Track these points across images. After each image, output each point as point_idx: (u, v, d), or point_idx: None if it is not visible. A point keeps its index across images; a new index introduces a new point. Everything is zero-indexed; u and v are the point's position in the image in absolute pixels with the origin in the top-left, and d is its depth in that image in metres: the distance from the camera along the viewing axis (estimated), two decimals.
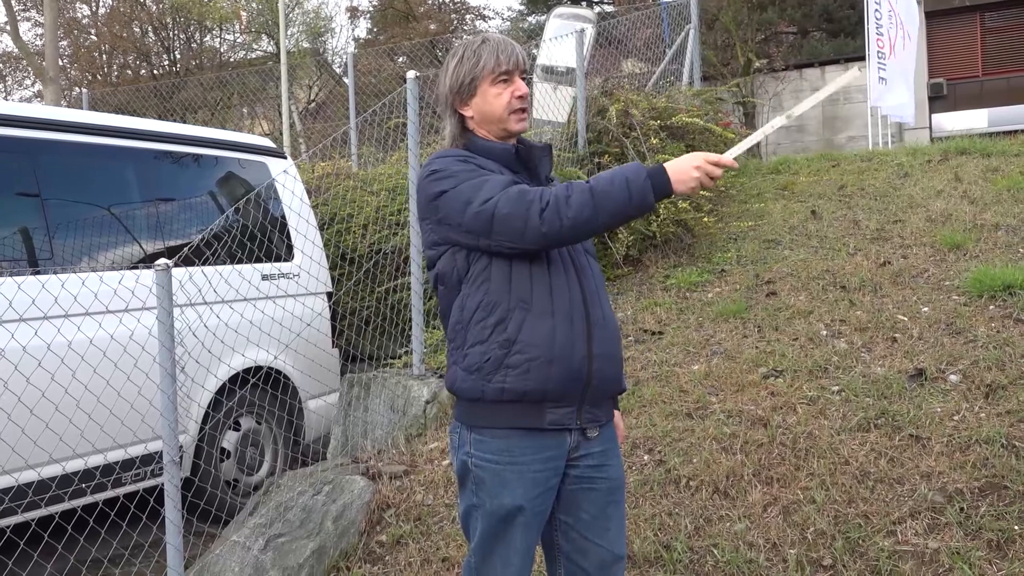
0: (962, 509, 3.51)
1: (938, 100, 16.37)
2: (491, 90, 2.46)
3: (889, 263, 6.04)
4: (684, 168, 2.27)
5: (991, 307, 5.12)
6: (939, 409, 4.18)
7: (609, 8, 20.38)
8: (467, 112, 2.50)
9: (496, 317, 2.36)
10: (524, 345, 2.33)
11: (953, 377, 4.44)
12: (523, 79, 2.52)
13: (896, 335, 4.99)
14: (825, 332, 5.19)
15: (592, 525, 2.50)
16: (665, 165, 2.27)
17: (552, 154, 2.58)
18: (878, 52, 10.98)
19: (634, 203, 2.25)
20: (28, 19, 21.20)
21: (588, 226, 2.28)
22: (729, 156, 2.31)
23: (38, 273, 4.40)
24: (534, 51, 9.75)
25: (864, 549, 3.42)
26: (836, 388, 4.52)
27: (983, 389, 4.28)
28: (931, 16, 16.31)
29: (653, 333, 5.64)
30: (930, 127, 15.78)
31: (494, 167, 2.44)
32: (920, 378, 4.47)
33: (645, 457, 4.23)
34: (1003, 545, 3.32)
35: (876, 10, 10.95)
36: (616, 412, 2.63)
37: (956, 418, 4.09)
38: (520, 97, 2.48)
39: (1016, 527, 3.37)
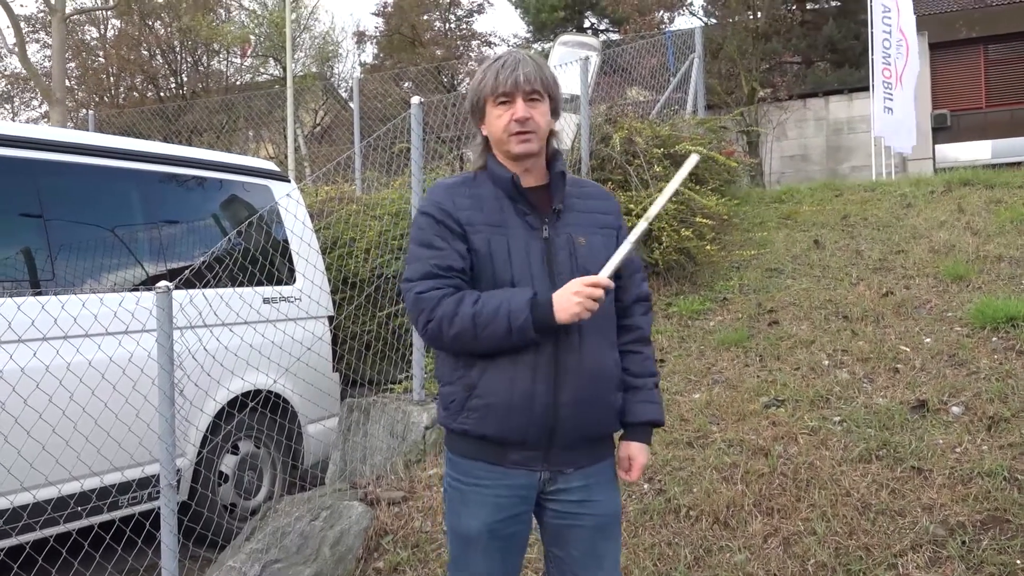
0: (964, 542, 3.49)
1: (942, 131, 16.41)
2: (494, 111, 2.42)
3: (892, 293, 6.02)
4: (565, 297, 2.27)
5: (994, 339, 5.10)
6: (941, 441, 4.15)
7: (614, 36, 20.50)
8: (483, 131, 2.49)
9: (461, 360, 2.40)
10: (483, 391, 2.37)
11: (955, 409, 4.42)
12: (531, 100, 2.40)
13: (898, 366, 4.97)
14: (827, 362, 5.17)
15: (583, 561, 2.48)
16: (552, 296, 2.29)
17: (564, 185, 2.46)
18: (884, 82, 11.01)
19: (514, 339, 2.29)
20: (36, 41, 21.34)
21: (469, 347, 2.35)
22: (604, 273, 2.30)
23: (39, 294, 4.40)
24: None
25: None
26: (838, 419, 4.50)
27: (985, 421, 4.26)
28: (935, 48, 16.38)
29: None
30: (933, 158, 15.80)
31: (500, 193, 2.43)
32: (922, 409, 4.44)
33: (645, 486, 4.20)
34: None
35: (885, 39, 10.99)
36: (634, 444, 2.54)
37: (958, 450, 4.07)
38: (518, 120, 2.38)
39: (1018, 561, 3.34)
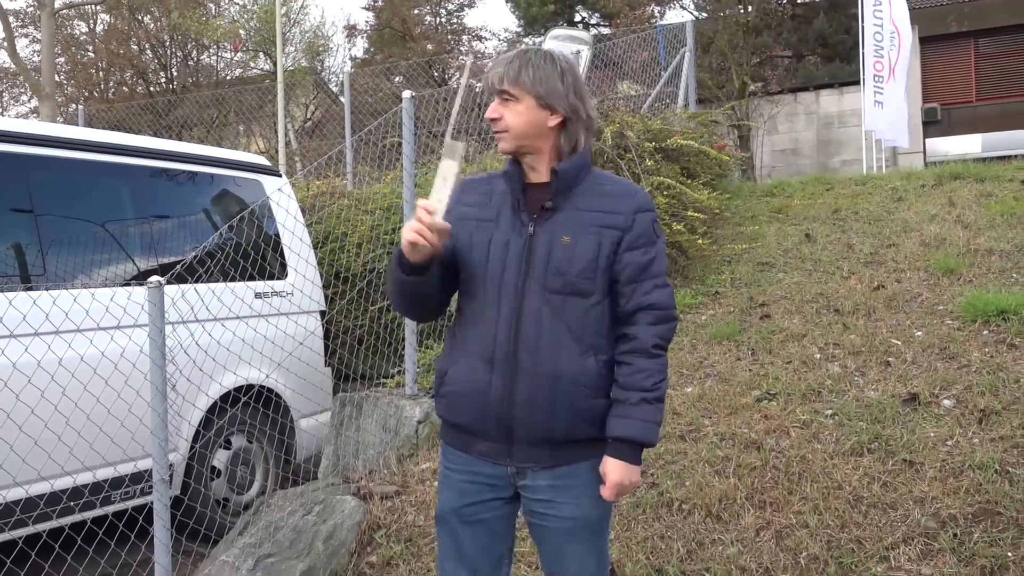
0: (955, 535, 3.50)
1: (932, 125, 16.46)
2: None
3: (883, 287, 6.04)
4: (404, 234, 2.30)
5: (985, 332, 5.12)
6: (932, 434, 4.17)
7: (605, 30, 20.49)
8: None
9: (446, 351, 2.54)
10: (449, 379, 2.46)
11: (947, 402, 4.43)
12: (504, 99, 2.39)
13: (890, 359, 4.98)
14: (819, 355, 5.18)
15: (553, 560, 2.51)
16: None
17: (559, 183, 2.41)
18: (875, 75, 11.04)
19: (398, 283, 2.39)
20: (25, 35, 21.23)
21: (396, 304, 2.54)
22: (433, 198, 2.31)
23: (30, 289, 4.38)
24: None
25: (857, 574, 3.41)
26: (829, 412, 4.51)
27: (976, 414, 4.28)
28: (925, 41, 16.42)
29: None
30: (924, 152, 15.85)
31: (507, 189, 2.47)
32: (913, 403, 4.46)
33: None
34: (996, 572, 3.31)
35: (876, 32, 11.00)
36: (609, 460, 2.40)
37: (949, 443, 4.08)
38: (488, 119, 2.41)
39: (1009, 553, 3.36)
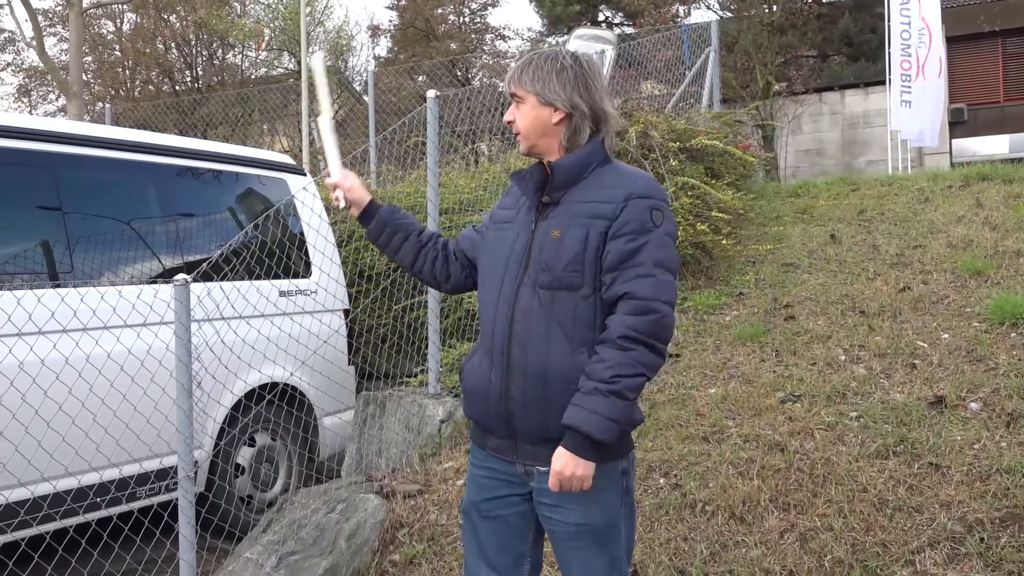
0: (982, 540, 3.47)
1: (959, 125, 16.32)
2: None
3: (909, 288, 6.00)
4: None
5: (1012, 334, 5.08)
6: (959, 437, 4.13)
7: (629, 30, 20.45)
8: None
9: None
10: (464, 375, 2.56)
11: (974, 405, 4.40)
12: (515, 102, 2.48)
13: (916, 361, 4.95)
14: (844, 357, 5.15)
15: (561, 561, 2.51)
16: None
17: (558, 178, 2.41)
18: (902, 75, 10.94)
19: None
20: (54, 35, 21.44)
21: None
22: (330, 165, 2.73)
23: (58, 286, 4.42)
24: None
25: None
26: (854, 414, 4.48)
27: (1004, 418, 4.24)
28: (952, 41, 16.28)
29: (670, 355, 5.61)
30: (950, 152, 15.72)
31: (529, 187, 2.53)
32: (940, 405, 4.42)
33: (661, 480, 4.20)
34: None
35: (904, 31, 10.90)
36: (559, 448, 2.30)
37: (976, 447, 4.05)
38: (508, 123, 2.51)
39: None
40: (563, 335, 2.34)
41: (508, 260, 2.45)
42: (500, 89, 2.67)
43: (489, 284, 2.49)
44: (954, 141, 16.05)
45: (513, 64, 2.53)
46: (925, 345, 5.12)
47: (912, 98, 10.98)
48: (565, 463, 2.27)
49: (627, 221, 2.33)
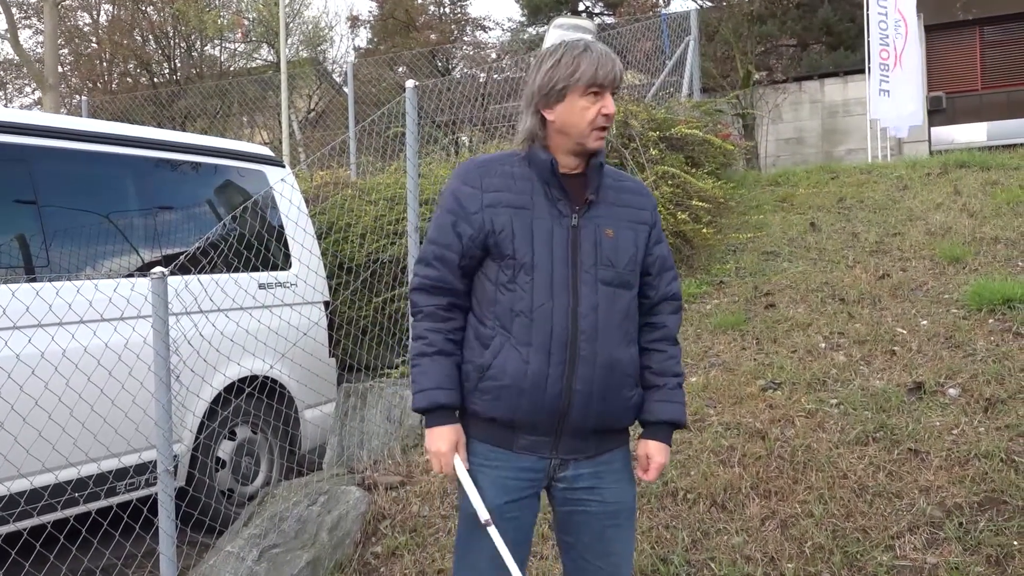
0: (961, 524, 3.49)
1: (937, 113, 16.38)
2: (580, 102, 2.39)
3: (888, 276, 6.02)
4: (439, 441, 2.42)
5: (990, 320, 5.11)
6: (938, 423, 4.16)
7: (609, 19, 20.43)
8: (549, 116, 2.44)
9: (477, 340, 2.44)
10: (496, 372, 2.38)
11: (952, 391, 4.42)
12: (615, 96, 2.45)
13: (895, 348, 4.97)
14: (824, 345, 5.17)
15: (592, 547, 2.49)
16: (440, 426, 2.43)
17: (599, 177, 2.47)
18: (880, 64, 10.98)
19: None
20: (29, 26, 21.19)
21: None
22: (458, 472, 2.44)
23: (34, 280, 4.38)
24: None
25: (862, 564, 3.40)
26: (835, 401, 4.50)
27: (982, 403, 4.26)
28: (931, 30, 16.34)
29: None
30: (929, 140, 15.78)
31: (534, 175, 2.44)
32: (919, 392, 4.45)
33: None
34: (1002, 561, 3.30)
35: (881, 20, 10.95)
36: (652, 443, 2.52)
37: (955, 432, 4.07)
38: (607, 115, 2.41)
39: (1015, 542, 3.35)
40: (620, 330, 2.44)
41: (552, 251, 2.38)
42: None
43: (529, 277, 2.37)
44: (933, 129, 16.11)
45: (600, 52, 2.40)
46: (904, 332, 5.15)
47: (891, 87, 11.02)
48: (666, 455, 2.55)
49: (660, 228, 2.59)
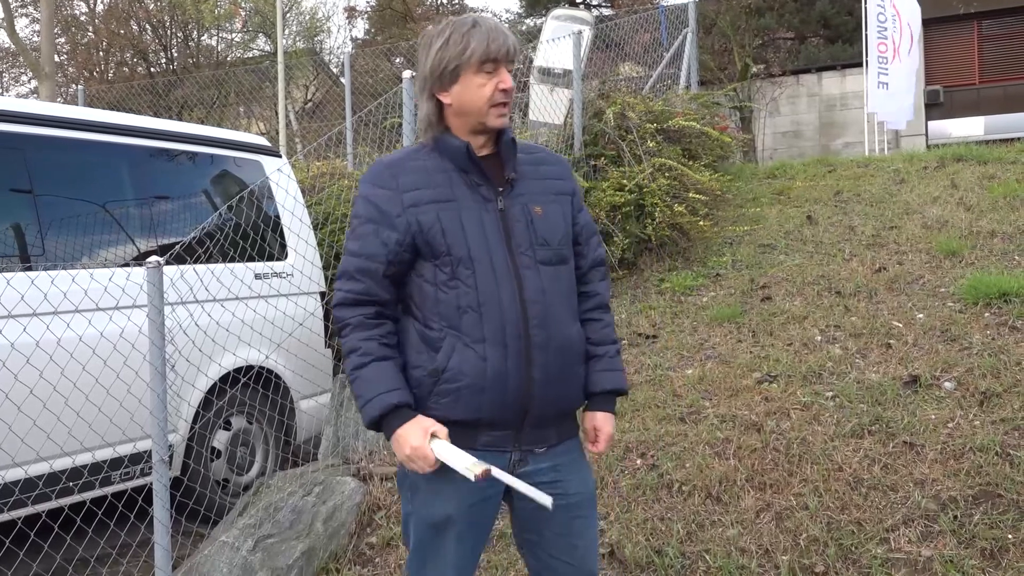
0: (956, 517, 3.50)
1: (935, 107, 16.40)
2: (475, 79, 2.28)
3: (885, 269, 6.02)
4: (407, 442, 2.23)
5: (986, 314, 5.11)
6: (933, 416, 4.16)
7: (607, 11, 20.39)
8: (445, 99, 2.33)
9: (428, 344, 2.30)
10: (454, 374, 2.26)
11: (948, 384, 4.42)
12: (510, 71, 2.32)
13: (891, 341, 4.97)
14: (820, 337, 5.17)
15: (557, 543, 2.41)
16: (402, 427, 2.24)
17: (514, 153, 2.37)
18: (879, 57, 10.98)
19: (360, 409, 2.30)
20: (25, 15, 21.17)
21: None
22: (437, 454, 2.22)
23: (29, 269, 4.37)
24: (531, 53, 9.74)
25: (857, 556, 3.41)
26: (830, 394, 4.50)
27: (978, 397, 4.27)
28: (928, 23, 16.32)
29: (647, 337, 5.62)
30: (926, 134, 15.80)
31: (448, 165, 2.33)
32: (915, 385, 4.45)
33: (638, 461, 4.21)
34: (996, 554, 3.30)
35: (880, 13, 10.95)
36: (599, 414, 2.47)
37: (950, 425, 4.08)
38: (504, 91, 2.29)
39: (1010, 536, 3.36)
40: (569, 308, 2.39)
41: (486, 241, 2.28)
42: (496, 53, 2.34)
43: (470, 272, 2.27)
44: (930, 123, 16.13)
45: (489, 26, 2.30)
46: (900, 325, 5.15)
47: (889, 80, 11.02)
48: (611, 425, 2.50)
49: (577, 192, 2.51)
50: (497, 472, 2.20)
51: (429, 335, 2.30)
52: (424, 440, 2.22)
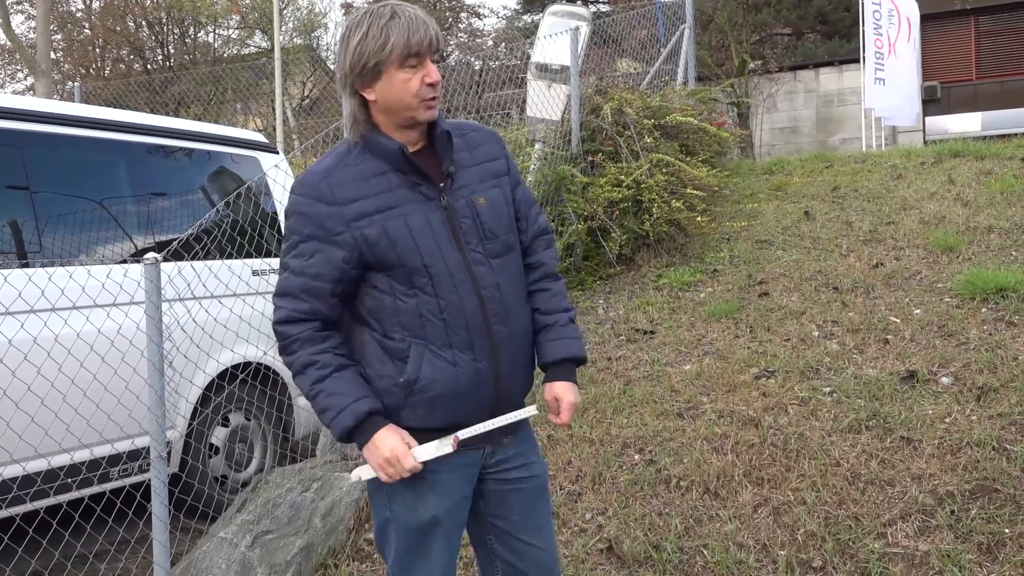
0: (953, 512, 3.50)
1: (932, 103, 16.40)
2: (398, 75, 2.17)
3: (882, 265, 6.03)
4: (379, 454, 2.20)
5: (983, 309, 5.12)
6: (931, 411, 4.17)
7: (604, 7, 20.37)
8: (370, 96, 2.22)
9: (392, 355, 2.25)
10: (426, 383, 2.23)
11: (945, 379, 4.43)
12: (435, 62, 2.23)
13: (888, 337, 4.98)
14: (817, 333, 5.18)
15: (523, 525, 2.41)
16: (376, 435, 2.20)
17: (452, 143, 2.30)
18: (876, 52, 10.98)
19: (328, 427, 2.25)
20: (21, 12, 21.11)
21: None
22: (420, 458, 2.22)
23: (26, 266, 4.36)
24: (528, 49, 9.73)
25: (854, 551, 3.41)
26: (828, 389, 4.51)
27: (975, 392, 4.28)
28: (925, 19, 16.30)
29: (645, 332, 5.63)
30: (923, 130, 15.80)
31: (385, 166, 2.25)
32: (912, 380, 4.46)
33: (636, 456, 4.21)
34: (993, 548, 3.31)
35: (875, 10, 10.95)
36: (558, 384, 2.40)
37: (947, 420, 4.08)
38: (431, 84, 2.20)
39: (1006, 530, 3.36)
40: (520, 294, 2.38)
41: (438, 244, 2.22)
42: (418, 47, 2.18)
43: (425, 279, 2.21)
44: (927, 119, 16.13)
45: (409, 17, 2.17)
46: (897, 320, 5.16)
47: (886, 76, 11.03)
48: (573, 394, 2.43)
49: (513, 168, 2.45)
50: (467, 430, 2.25)
51: (392, 345, 2.25)
52: (402, 444, 2.20)
